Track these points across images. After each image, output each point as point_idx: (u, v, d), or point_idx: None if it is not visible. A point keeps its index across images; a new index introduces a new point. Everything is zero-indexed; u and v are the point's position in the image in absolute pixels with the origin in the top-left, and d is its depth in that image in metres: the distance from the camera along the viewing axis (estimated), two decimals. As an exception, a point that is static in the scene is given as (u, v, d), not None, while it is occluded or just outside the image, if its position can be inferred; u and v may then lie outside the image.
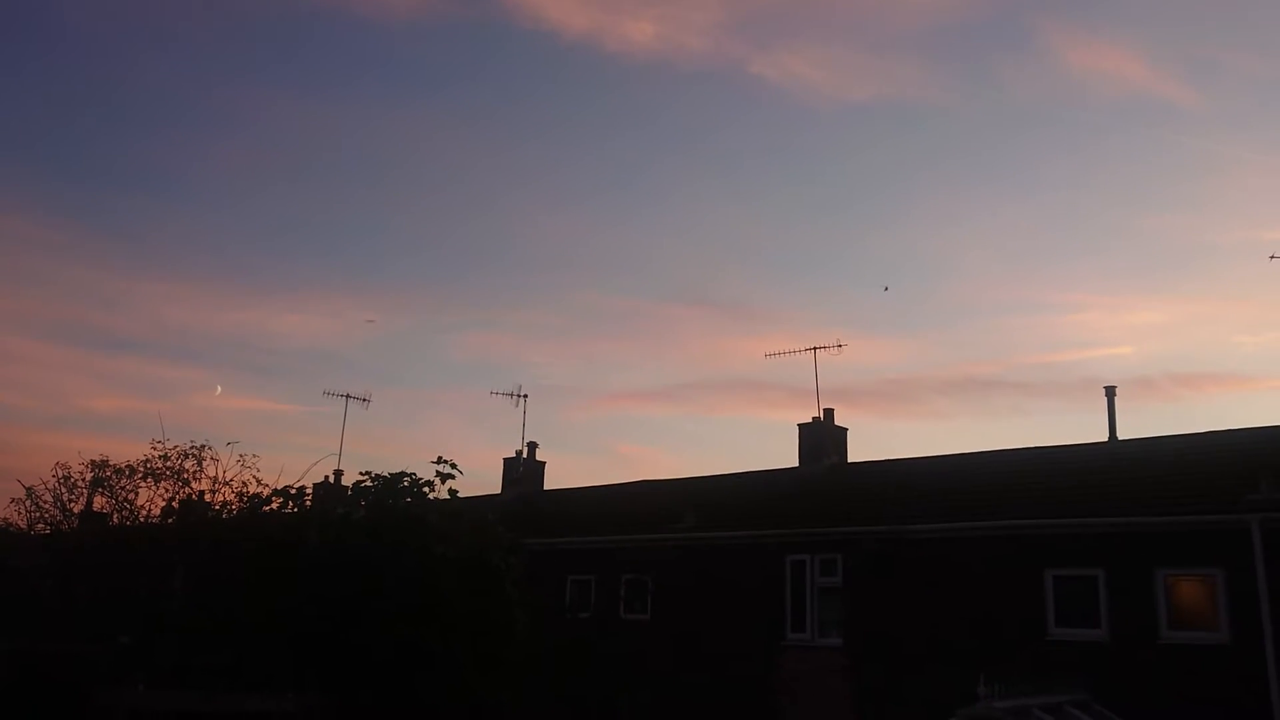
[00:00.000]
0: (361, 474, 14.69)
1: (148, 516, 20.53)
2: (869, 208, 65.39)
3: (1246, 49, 58.37)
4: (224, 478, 19.01)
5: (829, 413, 23.35)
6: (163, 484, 20.14)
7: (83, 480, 21.65)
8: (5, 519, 23.20)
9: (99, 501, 22.11)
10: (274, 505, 14.76)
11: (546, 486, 28.92)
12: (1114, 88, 57.15)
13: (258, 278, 70.29)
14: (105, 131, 71.56)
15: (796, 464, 23.15)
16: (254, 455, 20.03)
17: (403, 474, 14.53)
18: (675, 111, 64.53)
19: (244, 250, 70.55)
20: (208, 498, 19.49)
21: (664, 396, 63.52)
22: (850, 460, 23.20)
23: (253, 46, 69.04)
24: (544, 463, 29.14)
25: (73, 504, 22.12)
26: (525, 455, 28.79)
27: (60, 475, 21.80)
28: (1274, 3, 57.23)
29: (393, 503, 14.16)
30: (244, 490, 17.50)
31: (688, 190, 64.14)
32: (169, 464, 19.94)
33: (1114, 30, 58.30)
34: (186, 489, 20.02)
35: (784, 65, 60.36)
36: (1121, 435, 19.95)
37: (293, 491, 14.77)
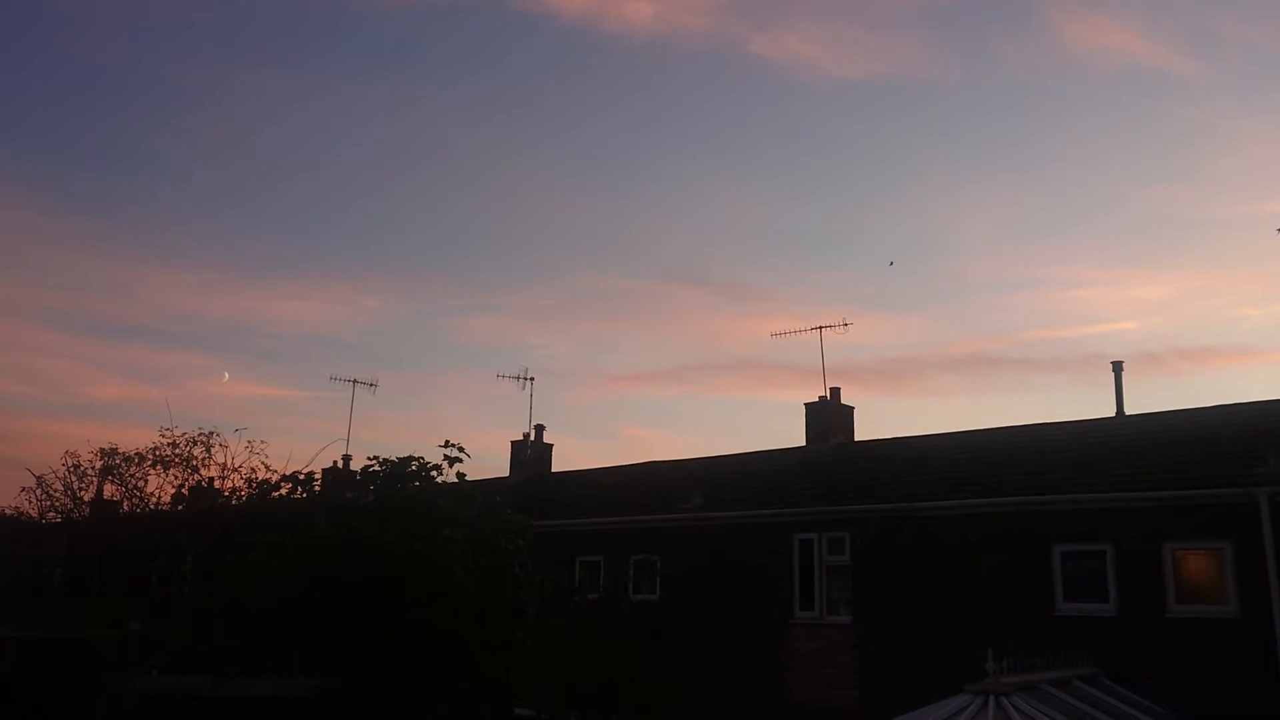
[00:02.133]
0: (369, 459, 14.69)
1: (157, 504, 20.60)
2: (869, 185, 65.27)
3: (1246, 20, 58.01)
4: (233, 464, 19.05)
5: (835, 391, 23.37)
6: (172, 471, 20.17)
7: (92, 468, 21.72)
8: (16, 508, 23.31)
9: (109, 489, 22.18)
10: (282, 491, 14.77)
11: (554, 469, 29.00)
12: (1113, 61, 56.89)
13: (259, 263, 70.43)
14: (105, 119, 71.57)
15: (803, 443, 23.17)
16: (262, 441, 20.11)
17: (410, 458, 14.52)
18: (675, 91, 64.37)
19: (245, 236, 70.65)
20: (217, 484, 19.54)
21: (667, 377, 63.64)
22: (857, 439, 23.21)
23: (249, 32, 68.91)
24: (551, 445, 29.25)
25: (83, 492, 22.18)
26: (533, 438, 28.86)
27: (70, 464, 21.86)
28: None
29: (400, 487, 14.18)
30: (253, 477, 17.52)
31: (688, 170, 64.03)
32: (178, 451, 19.97)
33: (1111, 4, 57.91)
34: (196, 476, 20.06)
35: (783, 43, 60.14)
36: (1127, 410, 19.93)
37: (301, 477, 14.78)
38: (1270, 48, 58.65)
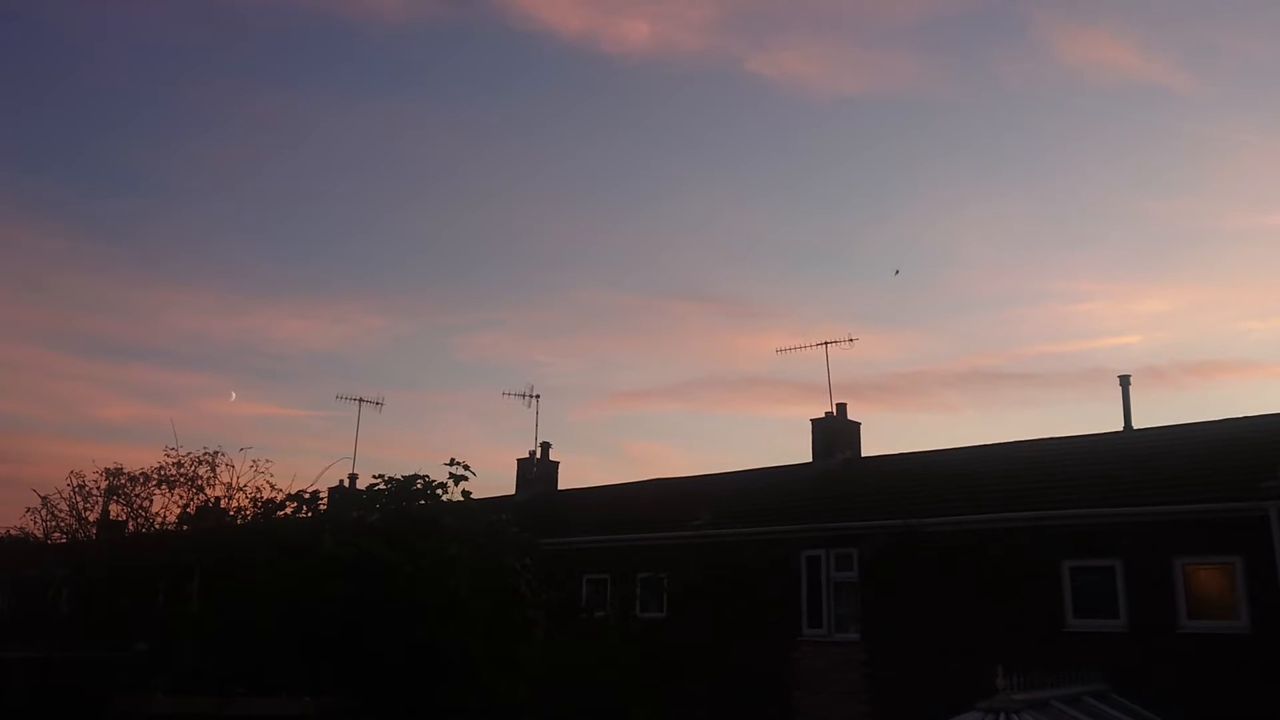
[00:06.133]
0: (375, 477, 14.70)
1: (163, 523, 20.56)
2: (869, 201, 65.21)
3: (1242, 32, 57.97)
4: (238, 483, 19.03)
5: (841, 407, 23.30)
6: (177, 491, 20.16)
7: (97, 488, 21.69)
8: (22, 528, 23.30)
9: (114, 509, 22.16)
10: (288, 510, 14.77)
11: (560, 487, 28.94)
12: (1109, 75, 56.81)
13: (264, 284, 70.51)
14: (106, 139, 71.85)
15: (810, 459, 23.11)
16: (267, 460, 20.06)
17: (416, 477, 14.53)
18: (674, 109, 64.45)
19: (249, 257, 70.78)
20: (223, 504, 19.51)
21: (672, 394, 63.47)
22: (864, 454, 23.14)
23: (252, 51, 69.25)
24: (557, 463, 29.16)
25: (88, 512, 22.15)
26: (539, 455, 28.81)
27: (75, 484, 21.83)
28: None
29: (406, 506, 14.16)
30: (258, 496, 17.52)
31: (689, 187, 64.08)
32: (183, 471, 19.96)
33: (1106, 18, 57.96)
34: (201, 495, 20.04)
35: (780, 61, 60.21)
36: (1134, 424, 19.86)
37: (306, 496, 14.79)
38: (1266, 60, 58.68)
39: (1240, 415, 18.28)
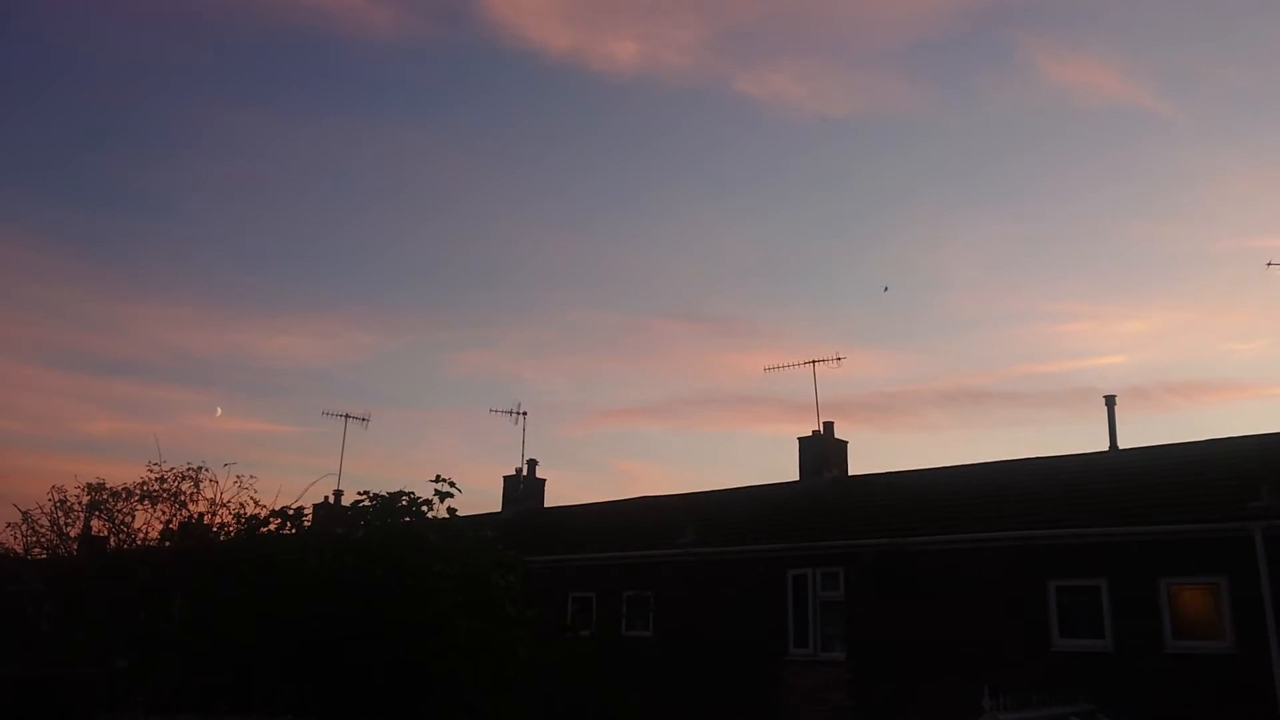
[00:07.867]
0: (360, 494, 14.61)
1: (145, 539, 20.44)
2: (858, 222, 65.59)
3: (1223, 60, 58.70)
4: (221, 499, 18.98)
5: (829, 426, 23.31)
6: (160, 506, 20.08)
7: (79, 504, 21.55)
8: (1, 544, 23.10)
9: (96, 525, 22.01)
10: (272, 526, 14.64)
11: (546, 504, 28.86)
12: (1094, 100, 57.33)
13: (251, 299, 70.34)
14: (96, 157, 71.69)
15: (797, 478, 23.09)
16: (251, 476, 20.04)
17: (401, 493, 14.43)
18: (662, 128, 64.79)
19: (237, 272, 70.62)
20: (205, 520, 19.43)
21: (660, 412, 63.47)
22: (850, 473, 23.13)
23: (241, 71, 69.28)
24: (544, 480, 29.11)
25: (69, 528, 22.01)
26: (525, 473, 28.74)
27: (56, 499, 21.68)
28: (1249, 14, 57.64)
29: (391, 522, 14.08)
30: (241, 512, 17.38)
31: (677, 206, 64.32)
32: (166, 486, 19.88)
33: (1091, 44, 58.61)
34: (184, 511, 19.95)
35: (768, 82, 60.61)
36: (1120, 445, 19.90)
37: (291, 512, 14.67)
38: (1247, 86, 59.27)
39: (1225, 436, 18.36)
